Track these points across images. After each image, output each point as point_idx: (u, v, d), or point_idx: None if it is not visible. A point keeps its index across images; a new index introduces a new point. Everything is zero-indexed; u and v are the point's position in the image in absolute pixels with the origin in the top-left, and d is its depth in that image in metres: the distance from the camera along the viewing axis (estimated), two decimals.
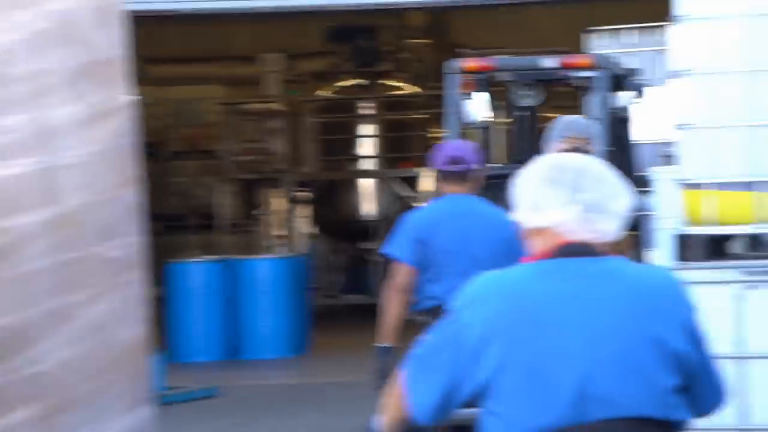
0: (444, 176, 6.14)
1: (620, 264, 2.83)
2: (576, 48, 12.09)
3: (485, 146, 9.55)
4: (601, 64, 8.61)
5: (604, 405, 2.72)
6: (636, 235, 8.54)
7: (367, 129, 18.49)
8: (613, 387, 2.72)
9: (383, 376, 5.87)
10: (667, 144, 10.24)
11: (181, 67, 24.52)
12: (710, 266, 5.14)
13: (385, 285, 6.06)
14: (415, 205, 17.75)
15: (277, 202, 19.57)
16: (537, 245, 2.87)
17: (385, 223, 17.78)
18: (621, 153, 9.28)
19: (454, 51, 18.41)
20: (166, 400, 11.12)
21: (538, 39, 23.74)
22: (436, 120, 19.15)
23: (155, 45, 25.57)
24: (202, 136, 22.35)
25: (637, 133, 9.55)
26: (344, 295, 18.69)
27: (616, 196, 2.85)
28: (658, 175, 9.55)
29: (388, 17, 19.15)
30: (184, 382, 11.78)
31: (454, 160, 6.13)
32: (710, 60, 5.26)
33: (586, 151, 5.90)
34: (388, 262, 6.04)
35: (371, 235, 18.00)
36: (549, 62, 8.68)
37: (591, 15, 23.24)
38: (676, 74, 5.47)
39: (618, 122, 9.00)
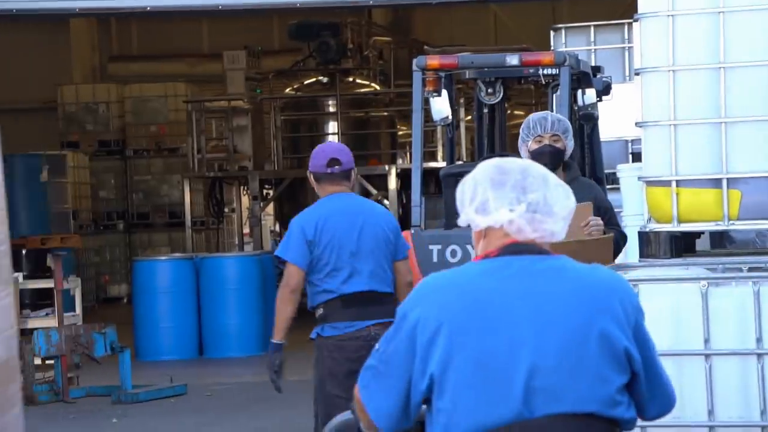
0: (325, 177, 6.45)
1: (566, 262, 2.89)
2: (542, 46, 12.15)
3: (451, 144, 9.58)
4: (564, 61, 8.64)
5: (549, 400, 2.73)
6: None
7: (331, 126, 18.50)
8: (559, 382, 2.74)
9: (278, 369, 6.39)
10: (634, 141, 10.32)
11: (145, 65, 24.46)
12: (676, 263, 5.19)
13: (280, 286, 6.38)
14: (382, 201, 17.79)
15: (242, 200, 19.55)
16: (484, 245, 2.91)
17: None
18: (588, 150, 9.33)
19: (417, 48, 18.46)
20: (134, 398, 11.10)
21: (504, 36, 23.81)
22: (401, 117, 19.22)
23: (118, 43, 25.52)
24: (167, 134, 22.30)
25: (604, 130, 9.60)
26: None
27: (561, 198, 2.93)
28: (624, 172, 9.62)
29: (352, 14, 19.16)
30: (153, 380, 11.76)
31: (333, 162, 6.46)
32: (673, 56, 5.29)
33: (557, 149, 5.98)
34: (282, 264, 6.39)
35: None
36: (511, 59, 8.70)
37: (556, 12, 23.33)
38: (640, 71, 5.50)
39: (584, 120, 9.03)
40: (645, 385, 2.84)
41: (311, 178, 6.54)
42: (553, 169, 5.59)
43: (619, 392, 2.78)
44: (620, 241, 6.02)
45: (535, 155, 5.95)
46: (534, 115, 6.19)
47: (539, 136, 6.05)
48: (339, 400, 5.98)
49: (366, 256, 6.31)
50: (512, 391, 2.74)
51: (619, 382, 2.78)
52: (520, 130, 6.09)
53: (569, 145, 6.09)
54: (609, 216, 5.97)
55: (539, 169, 2.94)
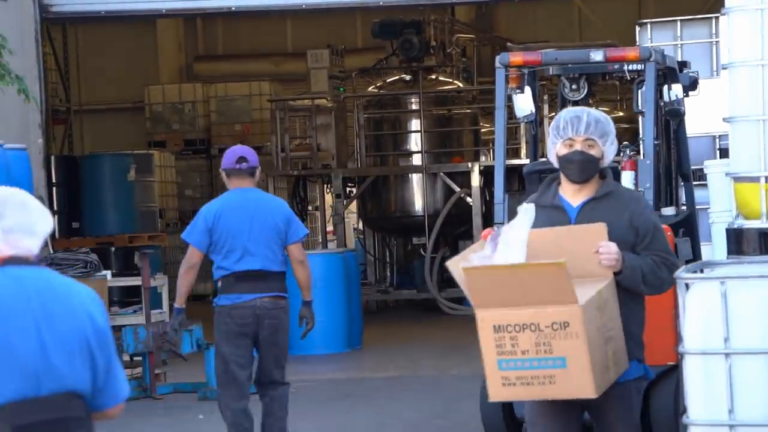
0: (233, 173, 7.74)
1: (50, 273, 3.67)
2: (628, 41, 12.04)
3: (534, 141, 9.54)
4: (650, 56, 8.56)
5: (52, 380, 3.50)
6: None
7: (414, 124, 18.49)
8: (60, 365, 3.51)
9: (178, 327, 8.12)
10: (722, 137, 10.20)
11: (230, 64, 24.65)
12: (765, 260, 5.11)
13: (182, 262, 7.85)
14: (465, 199, 17.77)
15: (326, 198, 19.62)
16: None
17: (435, 218, 17.81)
18: (673, 147, 9.23)
19: (500, 45, 18.39)
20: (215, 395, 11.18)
21: (588, 32, 23.65)
22: (484, 114, 19.16)
23: (204, 42, 25.74)
24: (251, 133, 22.45)
25: (690, 126, 9.48)
26: (395, 290, 18.71)
27: (39, 220, 3.72)
28: (712, 168, 9.51)
29: (435, 11, 19.14)
30: None
31: (241, 160, 7.72)
32: (762, 50, 5.22)
33: (589, 157, 5.03)
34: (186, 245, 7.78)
35: (421, 231, 18.02)
36: (595, 55, 8.63)
37: (642, 7, 23.12)
38: (727, 65, 5.43)
39: (670, 115, 8.94)
40: (106, 380, 3.64)
41: (223, 175, 7.80)
42: (584, 180, 5.04)
43: (91, 380, 3.60)
44: (658, 269, 5.00)
45: (564, 162, 5.06)
46: (566, 112, 5.18)
47: (570, 139, 5.06)
48: (230, 356, 7.68)
49: (256, 240, 7.63)
50: (22, 372, 3.47)
51: (91, 374, 3.59)
52: (550, 129, 5.17)
53: (608, 151, 5.09)
54: (650, 239, 5.02)
55: (19, 197, 3.67)
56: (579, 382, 4.64)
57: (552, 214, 5.04)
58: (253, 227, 7.66)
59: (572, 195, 5.09)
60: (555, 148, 5.11)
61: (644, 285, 4.98)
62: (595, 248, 4.86)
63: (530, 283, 4.61)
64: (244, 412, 7.79)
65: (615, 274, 4.90)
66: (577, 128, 5.06)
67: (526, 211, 4.84)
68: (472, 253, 4.84)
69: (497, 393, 4.72)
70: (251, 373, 7.83)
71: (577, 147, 5.05)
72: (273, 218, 7.71)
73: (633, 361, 5.03)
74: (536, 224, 4.88)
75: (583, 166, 5.03)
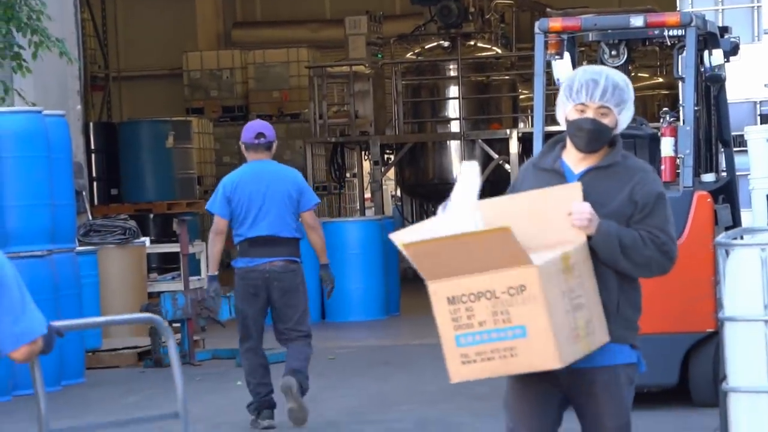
0: (251, 147, 8.43)
1: None
2: (668, 7, 11.94)
3: None
4: (690, 21, 8.48)
5: None
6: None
7: (452, 91, 18.44)
8: None
9: (215, 294, 8.69)
10: (763, 103, 10.12)
11: (268, 31, 24.64)
12: None
13: (210, 232, 8.41)
14: (504, 166, 17.71)
15: (364, 165, 19.62)
16: None
17: None
18: (713, 113, 9.15)
19: (539, 11, 18.28)
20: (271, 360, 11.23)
21: None
22: (522, 81, 19.08)
23: (242, 9, 25.74)
24: (289, 100, 22.45)
25: (731, 92, 9.40)
26: None
27: None
28: (752, 134, 9.43)
29: None
30: (275, 344, 11.87)
31: (259, 136, 8.40)
32: None
33: (602, 127, 4.51)
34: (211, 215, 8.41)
35: None
36: (635, 21, 8.56)
37: None
38: None
39: (711, 81, 8.86)
40: None
41: (242, 147, 8.47)
42: (594, 150, 4.54)
43: None
44: (643, 245, 4.47)
45: (573, 129, 4.55)
46: (582, 73, 4.60)
47: (582, 104, 4.53)
48: (244, 312, 8.36)
49: (269, 209, 8.29)
50: None
51: None
52: (562, 88, 4.64)
53: (622, 120, 4.55)
54: (647, 213, 4.50)
55: None
56: (541, 352, 4.26)
57: (551, 179, 4.57)
58: (267, 196, 8.30)
59: (576, 161, 4.60)
60: (565, 109, 4.59)
61: (624, 259, 4.45)
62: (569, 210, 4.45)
63: (479, 251, 4.29)
64: (257, 353, 8.52)
65: (589, 238, 4.45)
66: (593, 93, 4.51)
67: (469, 169, 4.51)
68: (422, 224, 4.51)
69: (457, 372, 4.36)
70: (263, 327, 8.50)
71: (590, 114, 4.51)
72: (286, 188, 8.37)
73: (625, 345, 4.51)
74: (533, 187, 4.55)
75: (594, 136, 4.52)
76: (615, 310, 4.47)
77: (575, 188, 4.47)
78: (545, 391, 4.46)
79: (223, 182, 8.47)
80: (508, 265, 4.26)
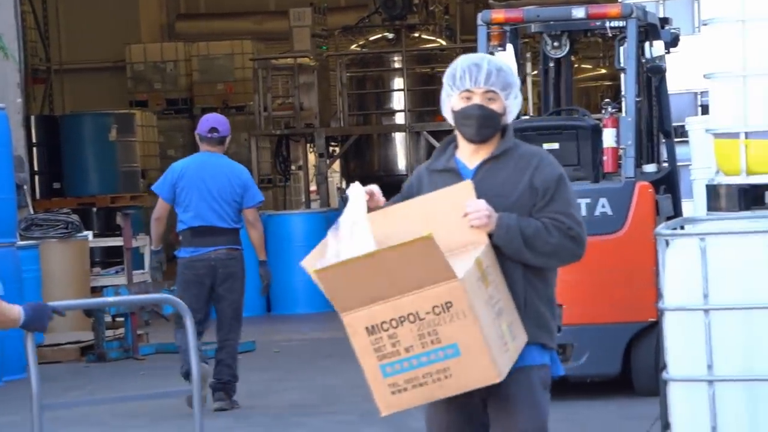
0: (204, 140, 8.87)
1: None
2: None
3: None
4: (631, 13, 8.52)
5: None
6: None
7: (397, 82, 18.44)
8: None
9: (158, 265, 9.09)
10: (704, 93, 10.18)
11: (211, 23, 24.50)
12: (744, 216, 5.11)
13: (153, 212, 8.92)
14: None
15: (309, 158, 19.57)
16: None
17: None
18: (654, 104, 9.21)
19: (483, 2, 18.31)
20: (202, 355, 11.18)
21: None
22: None
23: (184, 1, 25.58)
24: (234, 92, 22.35)
25: (673, 83, 9.46)
26: None
27: None
28: (693, 125, 9.50)
29: None
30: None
31: (213, 130, 8.85)
32: (743, 6, 5.19)
33: (490, 112, 4.28)
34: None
35: None
36: (577, 12, 8.60)
37: None
38: (708, 21, 5.40)
39: (652, 72, 8.91)
40: None
41: (197, 137, 8.92)
42: (485, 138, 4.30)
43: None
44: (547, 233, 4.23)
45: (460, 118, 4.32)
46: (462, 60, 4.38)
47: (467, 90, 4.30)
48: (189, 299, 8.14)
49: (212, 200, 8.68)
50: None
51: None
52: (444, 79, 4.40)
53: (511, 105, 4.33)
54: (549, 199, 4.26)
55: None
56: (478, 369, 3.98)
57: (446, 179, 4.31)
58: (211, 188, 8.71)
59: (469, 156, 4.35)
60: (450, 102, 4.34)
61: (529, 251, 4.21)
62: (464, 210, 4.16)
63: (396, 269, 3.92)
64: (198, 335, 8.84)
65: (490, 236, 4.19)
66: (476, 78, 4.29)
67: (354, 192, 4.17)
68: (324, 248, 4.11)
69: (387, 404, 4.00)
70: (204, 317, 8.84)
71: (476, 100, 4.28)
72: (230, 182, 8.77)
73: (537, 346, 4.25)
74: (429, 191, 4.28)
75: (483, 123, 4.28)
76: (522, 305, 4.22)
77: (466, 186, 4.19)
78: (466, 400, 4.19)
79: (172, 167, 8.93)
80: (431, 282, 3.94)
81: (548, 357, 4.29)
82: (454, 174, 4.33)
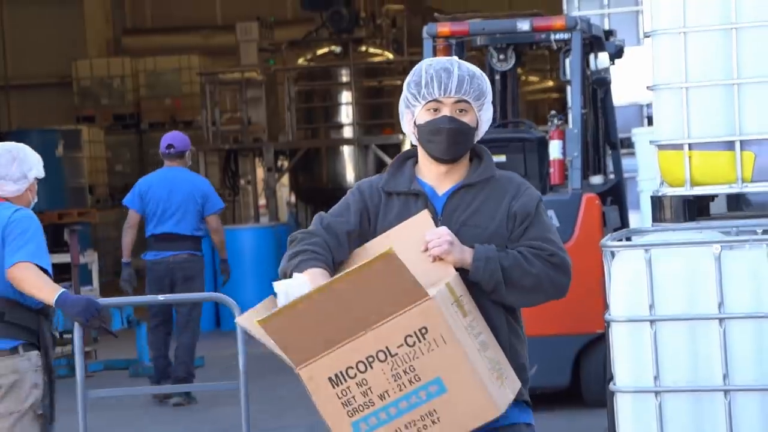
0: (164, 156, 9.88)
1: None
2: (556, 11, 12.05)
3: None
4: (575, 26, 8.58)
5: None
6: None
7: (345, 96, 18.44)
8: None
9: (128, 278, 9.89)
10: (650, 105, 10.26)
11: (158, 38, 24.42)
12: (689, 227, 5.14)
13: (125, 223, 9.87)
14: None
15: (258, 172, 19.52)
16: None
17: None
18: (600, 115, 9.26)
19: (430, 16, 18.35)
20: (151, 371, 11.11)
21: (519, 2, 23.69)
22: None
23: (131, 15, 25.47)
24: (181, 107, 22.28)
25: (619, 95, 9.53)
26: None
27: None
28: (639, 136, 9.56)
29: None
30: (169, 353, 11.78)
31: (169, 147, 9.85)
32: (684, 17, 5.23)
33: (463, 126, 3.67)
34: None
35: None
36: (522, 25, 8.65)
37: None
38: (650, 33, 5.44)
39: (598, 84, 8.97)
40: None
41: (161, 155, 9.90)
42: (456, 157, 3.69)
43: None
44: (526, 263, 3.62)
45: (426, 134, 3.68)
46: (429, 64, 3.72)
47: (435, 101, 3.66)
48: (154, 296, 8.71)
49: (173, 210, 9.65)
50: None
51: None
52: (405, 87, 3.75)
53: (484, 119, 3.73)
54: (527, 226, 3.69)
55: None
56: (472, 404, 3.32)
57: (410, 205, 3.68)
58: (172, 198, 9.64)
59: (436, 179, 3.72)
60: (412, 114, 3.71)
61: (509, 286, 3.58)
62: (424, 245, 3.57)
63: (354, 299, 3.27)
64: (163, 329, 10.00)
65: (461, 271, 3.57)
66: (446, 86, 3.64)
67: (300, 285, 3.50)
68: (268, 303, 3.55)
69: None
70: (166, 318, 9.93)
71: (445, 112, 3.65)
72: (191, 192, 9.70)
73: (521, 402, 3.66)
74: (389, 218, 3.66)
75: (454, 138, 3.65)
76: (507, 356, 3.62)
77: (423, 217, 3.59)
78: None
79: (139, 181, 9.97)
80: (399, 307, 3.28)
81: (530, 415, 3.73)
82: (422, 198, 3.70)
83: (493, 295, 3.63)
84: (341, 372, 3.35)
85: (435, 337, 3.33)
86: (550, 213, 8.47)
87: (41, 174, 5.75)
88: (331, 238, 3.69)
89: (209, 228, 9.87)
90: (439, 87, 3.68)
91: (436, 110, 3.70)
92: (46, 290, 5.43)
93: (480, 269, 3.60)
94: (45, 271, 5.55)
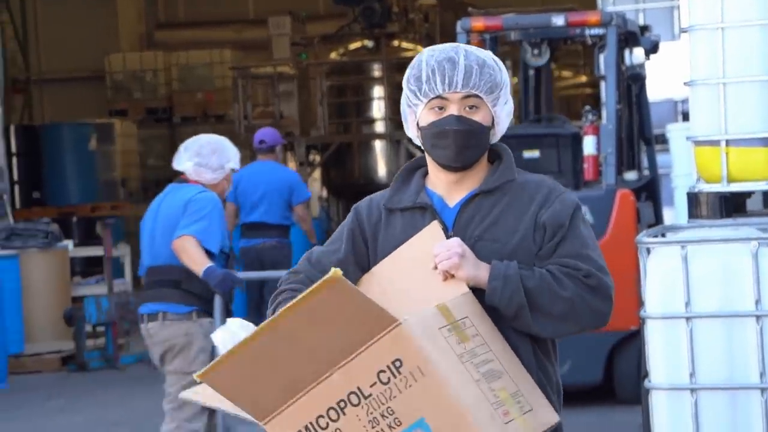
0: (256, 150, 10.69)
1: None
2: (590, 6, 12.01)
3: None
4: (611, 20, 8.54)
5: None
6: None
7: (377, 91, 18.44)
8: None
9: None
10: (685, 101, 10.21)
11: (190, 32, 24.48)
12: (725, 224, 5.11)
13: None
14: None
15: (289, 166, 19.54)
16: None
17: None
18: (635, 111, 9.22)
19: (462, 10, 18.32)
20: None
21: None
22: None
23: (164, 10, 25.55)
24: (213, 101, 22.32)
25: (654, 90, 9.48)
26: None
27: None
28: (674, 132, 9.51)
29: None
30: None
31: (261, 142, 10.61)
32: (722, 12, 5.20)
33: (474, 126, 3.06)
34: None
35: None
36: (556, 20, 8.61)
37: None
38: (687, 29, 5.41)
39: (633, 80, 8.93)
40: None
41: (254, 150, 10.70)
42: (468, 163, 3.08)
43: None
44: (557, 285, 3.01)
45: (431, 137, 3.10)
46: (430, 53, 3.12)
47: (440, 97, 3.07)
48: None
49: (262, 199, 10.34)
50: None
51: None
52: (404, 83, 3.18)
53: (502, 115, 3.12)
54: (560, 239, 3.08)
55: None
56: None
57: (416, 220, 3.09)
58: (260, 190, 10.33)
59: (447, 188, 3.12)
60: (415, 115, 3.14)
61: (536, 312, 3.00)
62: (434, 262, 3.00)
63: (310, 337, 2.75)
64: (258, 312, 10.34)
65: (478, 291, 3.01)
66: (451, 79, 3.05)
67: (239, 329, 3.18)
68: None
69: None
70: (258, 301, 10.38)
71: (452, 111, 3.06)
72: (279, 184, 10.41)
73: None
74: (390, 238, 3.09)
75: (464, 141, 3.05)
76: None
77: (432, 229, 3.05)
78: None
79: (234, 174, 11.04)
80: (366, 338, 2.75)
81: None
82: (429, 213, 3.10)
83: (515, 323, 3.02)
84: (311, 423, 2.79)
85: (411, 370, 2.76)
86: (584, 209, 8.43)
87: (237, 166, 6.45)
88: (317, 273, 3.06)
89: (297, 217, 10.50)
90: (442, 81, 3.07)
91: (441, 109, 3.09)
92: (198, 263, 6.09)
93: (497, 290, 2.98)
94: (209, 252, 6.17)
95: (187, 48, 23.01)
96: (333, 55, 18.99)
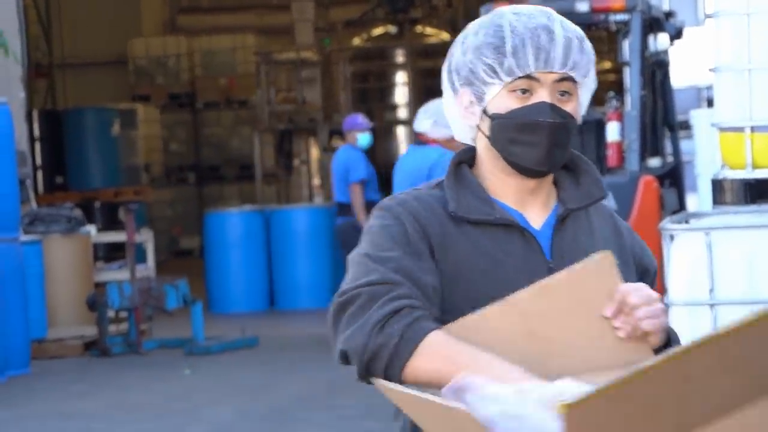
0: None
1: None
2: None
3: None
4: (635, 6, 8.50)
5: None
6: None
7: (400, 77, 18.42)
8: None
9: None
10: (709, 87, 10.16)
11: (213, 17, 24.49)
12: (749, 210, 5.08)
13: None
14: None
15: (312, 152, 19.54)
16: None
17: None
18: (659, 97, 9.18)
19: None
20: (206, 350, 11.18)
21: None
22: None
23: None
24: (236, 87, 22.33)
25: (677, 77, 9.44)
26: None
27: None
28: (698, 119, 9.47)
29: None
30: (224, 332, 11.84)
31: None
32: (747, 0, 5.16)
33: (568, 121, 2.31)
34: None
35: None
36: (581, 6, 8.58)
37: None
38: (712, 15, 5.37)
39: (657, 66, 8.89)
40: None
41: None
42: (554, 167, 2.37)
43: None
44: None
45: (514, 131, 2.33)
46: (514, 18, 2.34)
47: (528, 77, 2.31)
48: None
49: (335, 181, 11.11)
50: None
51: None
52: (470, 52, 2.36)
53: (585, 99, 2.39)
54: (651, 282, 2.47)
55: None
56: None
57: (498, 240, 2.35)
58: (334, 172, 11.18)
59: (519, 200, 2.39)
60: (476, 96, 2.37)
61: None
62: (610, 305, 2.21)
63: (718, 378, 1.95)
64: None
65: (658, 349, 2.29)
66: (548, 54, 2.31)
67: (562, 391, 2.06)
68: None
69: None
70: None
71: (543, 96, 2.31)
72: (341, 165, 11.11)
73: None
74: (461, 258, 2.34)
75: (557, 139, 2.33)
76: None
77: (604, 263, 2.23)
78: None
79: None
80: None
81: None
82: (519, 234, 2.36)
83: None
84: None
85: None
86: (608, 195, 8.42)
87: None
88: (417, 291, 2.33)
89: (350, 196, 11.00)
90: (536, 56, 2.30)
91: (525, 92, 2.31)
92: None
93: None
94: None
95: (210, 33, 23.02)
96: (356, 41, 18.97)
